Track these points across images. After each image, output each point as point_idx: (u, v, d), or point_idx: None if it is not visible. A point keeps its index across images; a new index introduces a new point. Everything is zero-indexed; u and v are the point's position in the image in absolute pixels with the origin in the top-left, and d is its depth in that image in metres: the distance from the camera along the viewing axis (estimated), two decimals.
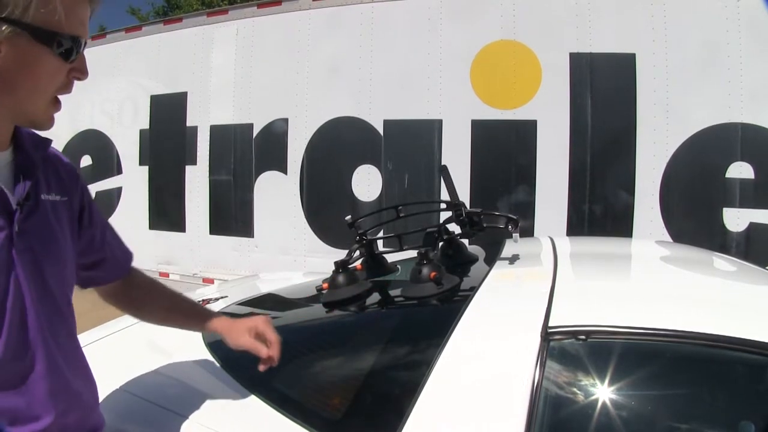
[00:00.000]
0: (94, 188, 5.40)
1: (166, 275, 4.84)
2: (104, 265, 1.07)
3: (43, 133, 0.89)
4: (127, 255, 1.13)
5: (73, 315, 0.94)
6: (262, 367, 1.14)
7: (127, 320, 1.85)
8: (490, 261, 1.68)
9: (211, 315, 1.23)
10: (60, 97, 0.85)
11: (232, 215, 4.54)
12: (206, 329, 1.22)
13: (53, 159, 0.94)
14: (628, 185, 3.49)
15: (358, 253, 1.72)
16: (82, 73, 0.85)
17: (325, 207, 4.21)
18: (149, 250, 4.71)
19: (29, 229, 0.83)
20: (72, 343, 0.93)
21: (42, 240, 0.85)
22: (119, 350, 1.61)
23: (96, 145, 5.34)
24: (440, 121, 3.86)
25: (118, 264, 1.10)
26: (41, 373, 0.83)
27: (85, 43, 0.83)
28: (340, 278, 1.55)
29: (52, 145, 0.94)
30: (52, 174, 0.91)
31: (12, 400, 0.80)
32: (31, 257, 0.83)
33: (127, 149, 5.15)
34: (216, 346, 1.53)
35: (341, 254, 1.69)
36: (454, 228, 1.75)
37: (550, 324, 1.10)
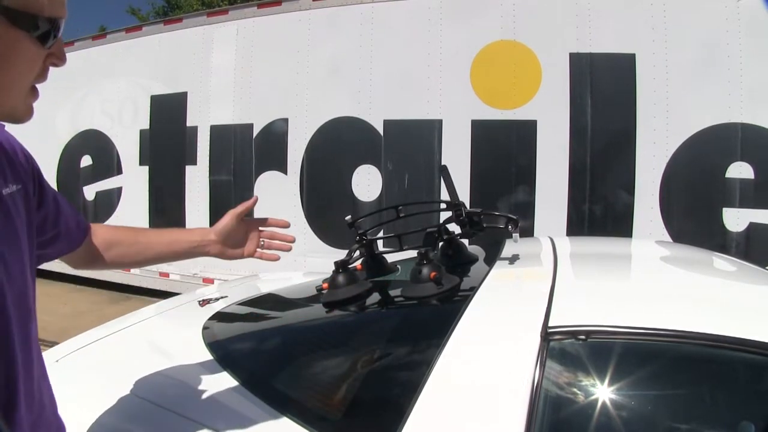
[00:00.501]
0: (94, 188, 5.41)
1: (167, 275, 4.85)
2: (58, 241, 0.99)
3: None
4: (81, 226, 1.05)
5: (35, 305, 0.87)
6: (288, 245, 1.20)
7: (128, 320, 1.85)
8: (490, 261, 1.68)
9: (183, 236, 1.18)
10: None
11: None
12: (186, 255, 1.16)
13: (4, 143, 0.83)
14: (628, 185, 3.49)
15: (358, 253, 1.72)
16: (59, 59, 0.76)
17: (325, 207, 4.22)
18: None
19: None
20: (38, 348, 0.87)
21: (10, 241, 0.78)
22: (119, 350, 1.61)
23: (96, 145, 5.35)
24: (440, 121, 3.86)
25: (72, 238, 1.02)
26: (20, 385, 0.78)
27: (62, 24, 0.75)
28: (340, 278, 1.55)
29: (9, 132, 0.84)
30: (6, 162, 0.82)
31: None
32: (3, 265, 0.75)
33: (128, 149, 5.16)
34: (216, 346, 1.53)
35: (341, 254, 1.69)
36: (454, 228, 1.75)
37: (550, 324, 1.10)
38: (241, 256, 1.20)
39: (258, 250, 1.22)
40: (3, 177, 0.79)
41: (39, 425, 0.82)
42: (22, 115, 0.75)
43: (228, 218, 1.19)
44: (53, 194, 0.96)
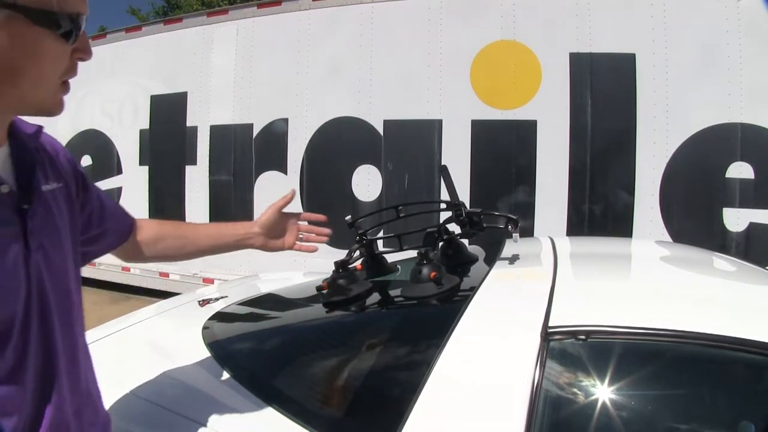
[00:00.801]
0: None
1: (167, 275, 4.84)
2: (104, 238, 1.05)
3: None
4: (126, 221, 1.11)
5: (81, 299, 0.92)
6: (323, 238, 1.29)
7: (127, 320, 1.85)
8: (490, 261, 1.68)
9: (228, 230, 1.25)
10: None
11: (232, 215, 4.54)
12: (230, 248, 1.24)
13: (46, 145, 0.89)
14: (628, 185, 3.49)
15: (358, 253, 1.72)
16: (85, 53, 0.78)
17: (325, 207, 4.21)
18: None
19: (38, 225, 0.80)
20: (84, 341, 0.92)
21: (50, 234, 0.83)
22: (120, 350, 1.61)
23: (96, 144, 5.35)
24: (440, 121, 3.86)
25: (117, 235, 1.08)
26: (62, 372, 0.82)
27: (85, 19, 0.77)
28: (340, 278, 1.55)
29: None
30: (48, 161, 0.87)
31: (31, 402, 0.77)
32: (44, 255, 0.80)
33: (127, 149, 5.16)
34: (216, 346, 1.53)
35: (341, 254, 1.69)
36: (454, 228, 1.75)
37: (550, 324, 1.10)
38: (283, 248, 1.28)
39: (297, 242, 1.29)
40: (44, 175, 0.84)
41: (84, 412, 0.86)
42: (53, 108, 0.77)
43: (271, 211, 1.26)
44: (97, 194, 1.02)
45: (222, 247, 1.24)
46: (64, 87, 0.78)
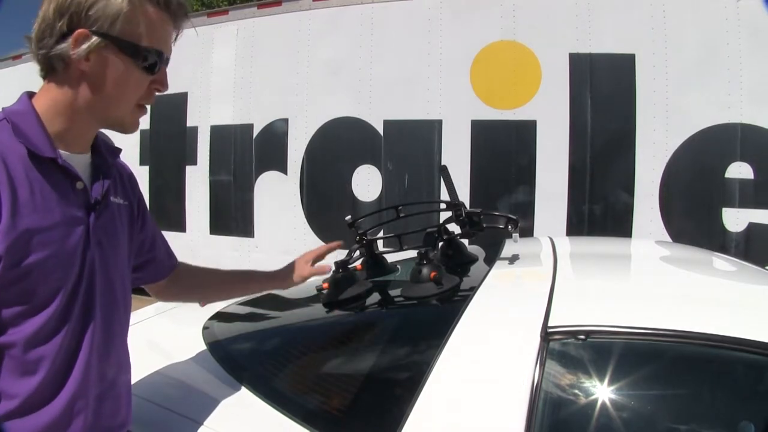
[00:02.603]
0: None
1: None
2: (149, 267, 1.16)
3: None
4: (171, 259, 1.22)
5: (129, 311, 1.03)
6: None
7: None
8: (490, 261, 1.68)
9: (264, 275, 1.38)
10: None
11: (232, 215, 4.54)
12: (269, 288, 1.42)
13: (119, 166, 1.03)
14: (628, 185, 3.49)
15: (358, 253, 1.72)
16: (162, 85, 0.92)
17: (325, 207, 4.21)
18: None
19: (101, 225, 0.91)
20: (125, 344, 1.02)
21: (109, 237, 0.94)
22: None
23: None
24: (440, 121, 3.86)
25: (162, 267, 1.20)
26: (92, 358, 0.89)
27: (167, 60, 0.91)
28: (340, 278, 1.55)
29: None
30: (118, 179, 1.01)
31: (58, 368, 0.86)
32: (100, 251, 0.91)
33: (128, 149, 5.13)
34: (216, 346, 1.53)
35: (341, 254, 1.69)
36: (454, 228, 1.75)
37: (550, 324, 1.10)
38: (301, 281, 1.38)
39: (309, 268, 1.38)
40: (114, 189, 0.97)
41: (105, 401, 0.93)
42: (129, 127, 0.93)
43: (304, 273, 1.37)
44: (153, 225, 1.15)
45: (248, 293, 1.50)
46: (141, 110, 0.92)
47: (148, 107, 0.95)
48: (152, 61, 0.88)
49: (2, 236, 0.78)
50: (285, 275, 1.37)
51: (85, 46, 0.82)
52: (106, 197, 0.94)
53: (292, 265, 1.38)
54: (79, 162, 0.91)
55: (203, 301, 1.38)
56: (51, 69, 0.86)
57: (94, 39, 0.82)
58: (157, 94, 0.94)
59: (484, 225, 1.63)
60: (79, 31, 0.82)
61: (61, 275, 0.85)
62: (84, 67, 0.84)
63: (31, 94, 0.90)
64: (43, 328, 0.84)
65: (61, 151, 0.87)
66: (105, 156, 0.96)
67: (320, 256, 1.40)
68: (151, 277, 1.18)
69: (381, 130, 4.02)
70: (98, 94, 0.86)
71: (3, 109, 0.88)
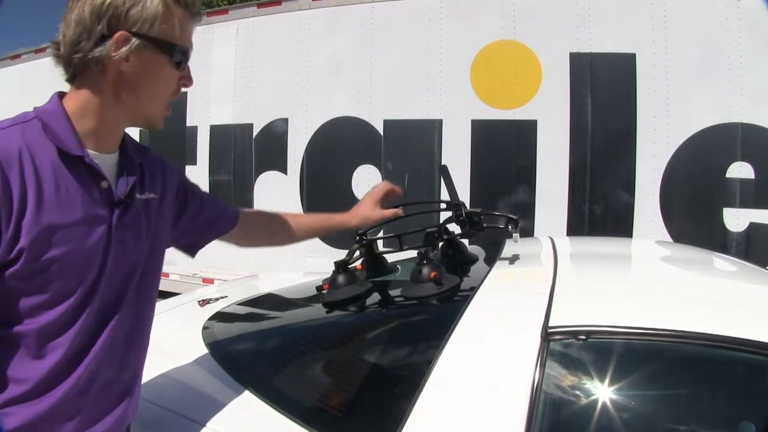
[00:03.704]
0: None
1: (167, 275, 4.84)
2: (211, 228, 1.23)
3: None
4: (229, 214, 1.26)
5: (152, 309, 1.08)
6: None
7: None
8: (490, 261, 1.68)
9: (334, 217, 1.47)
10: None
11: None
12: (340, 228, 1.48)
13: (152, 161, 1.06)
14: (628, 185, 3.49)
15: (358, 253, 1.72)
16: (188, 80, 0.97)
17: (325, 207, 4.19)
18: None
19: (124, 224, 0.94)
20: (144, 330, 1.04)
21: (134, 234, 0.97)
22: None
23: None
24: (440, 121, 3.86)
25: (222, 223, 1.24)
26: (103, 346, 0.92)
27: (190, 54, 0.95)
28: (340, 278, 1.55)
29: None
30: (149, 176, 1.03)
31: (74, 350, 0.89)
32: (122, 250, 0.94)
33: None
34: (216, 346, 1.53)
35: (341, 254, 1.69)
36: (454, 228, 1.75)
37: (550, 324, 1.10)
38: (371, 224, 1.50)
39: (380, 210, 1.49)
40: (141, 186, 1.00)
41: (110, 389, 0.96)
42: (157, 123, 0.98)
43: (375, 216, 1.48)
44: (201, 197, 1.20)
45: (324, 233, 1.54)
46: (168, 107, 0.98)
47: None
48: (181, 58, 0.92)
49: (26, 230, 0.81)
50: (356, 218, 1.46)
51: (125, 48, 0.85)
52: (131, 196, 0.96)
53: (361, 206, 1.48)
54: (106, 161, 0.94)
55: (282, 243, 1.41)
56: (85, 71, 0.88)
57: (134, 40, 0.86)
58: (182, 89, 0.97)
59: (485, 225, 1.63)
60: (120, 33, 0.85)
61: (80, 271, 0.88)
62: (123, 67, 0.87)
63: (61, 95, 0.92)
64: (58, 320, 0.86)
65: (90, 151, 0.90)
66: (131, 155, 0.99)
67: (386, 195, 1.50)
68: (213, 235, 1.24)
69: (381, 130, 4.02)
70: (135, 93, 0.90)
71: (34, 108, 0.91)
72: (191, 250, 1.24)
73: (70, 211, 0.86)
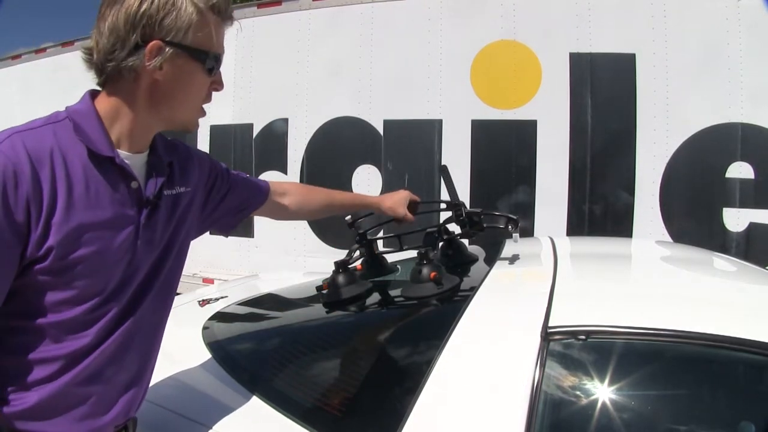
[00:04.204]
0: None
1: None
2: (241, 207, 1.25)
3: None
4: (260, 189, 1.30)
5: (171, 303, 1.09)
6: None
7: None
8: (490, 261, 1.68)
9: (366, 198, 1.60)
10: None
11: None
12: (370, 208, 1.60)
13: (182, 156, 1.07)
14: (628, 185, 3.49)
15: (358, 253, 1.72)
16: (219, 84, 0.97)
17: None
18: None
19: (152, 223, 0.96)
20: (161, 327, 1.08)
21: (161, 233, 0.98)
22: None
23: None
24: (440, 121, 3.86)
25: (255, 199, 1.28)
26: (120, 353, 0.94)
27: (222, 60, 0.96)
28: (340, 278, 1.55)
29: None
30: (179, 171, 1.04)
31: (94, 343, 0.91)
32: (149, 250, 0.96)
33: None
34: (216, 346, 1.53)
35: (341, 254, 1.69)
36: (454, 228, 1.75)
37: (550, 324, 1.10)
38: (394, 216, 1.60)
39: (407, 212, 1.62)
40: (170, 182, 1.01)
41: (115, 381, 0.97)
42: (191, 126, 0.99)
43: (401, 213, 1.60)
44: (229, 180, 1.22)
45: (352, 209, 1.60)
46: (202, 111, 0.98)
47: None
48: (214, 65, 0.93)
49: (55, 229, 0.82)
50: (386, 204, 1.58)
51: (159, 57, 0.86)
52: (160, 195, 0.97)
53: (395, 197, 1.60)
54: (137, 161, 0.94)
55: (313, 216, 1.51)
56: (118, 79, 0.88)
57: (168, 49, 0.86)
58: (214, 93, 0.98)
59: (485, 225, 1.64)
60: (154, 42, 0.85)
61: (107, 270, 0.89)
62: (157, 76, 0.88)
63: (93, 93, 0.93)
64: (82, 317, 0.88)
65: (120, 151, 0.91)
66: (161, 154, 1.00)
67: (413, 202, 1.63)
68: (249, 211, 1.28)
69: (381, 130, 4.02)
70: (168, 99, 0.91)
71: (66, 107, 0.91)
72: (225, 230, 1.27)
73: (100, 211, 0.87)
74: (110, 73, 0.88)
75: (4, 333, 0.86)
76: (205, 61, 0.91)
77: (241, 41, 4.51)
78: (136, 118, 0.91)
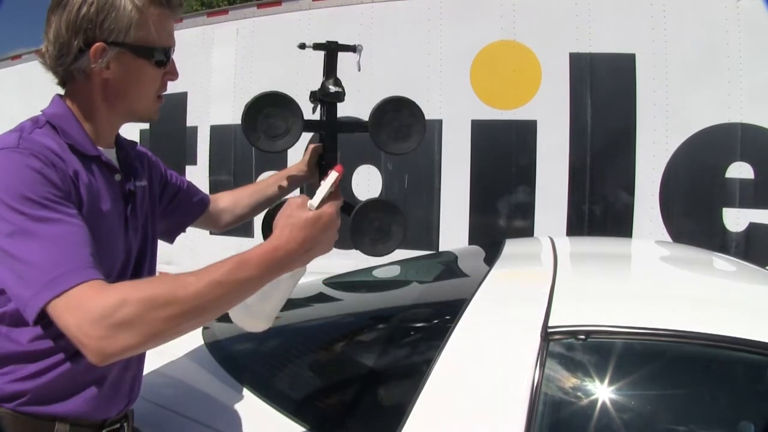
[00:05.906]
0: None
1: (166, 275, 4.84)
2: (186, 209, 1.29)
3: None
4: (203, 200, 1.34)
5: None
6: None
7: None
8: (490, 261, 1.68)
9: (283, 177, 1.47)
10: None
11: None
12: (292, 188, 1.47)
13: (140, 151, 1.15)
14: (628, 185, 3.48)
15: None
16: (173, 74, 1.00)
17: None
18: None
19: (134, 213, 1.01)
20: None
21: (142, 222, 1.04)
22: None
23: None
24: (440, 121, 3.86)
25: (197, 207, 1.32)
26: None
27: (173, 50, 0.98)
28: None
29: None
30: (139, 166, 1.10)
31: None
32: (136, 235, 1.01)
33: None
34: (216, 346, 1.53)
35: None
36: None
37: (550, 324, 1.10)
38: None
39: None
40: (135, 176, 1.05)
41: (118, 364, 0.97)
42: (152, 115, 1.02)
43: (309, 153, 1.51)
44: (176, 180, 1.28)
45: (287, 190, 1.47)
46: (159, 99, 1.01)
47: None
48: (162, 58, 0.95)
49: (84, 217, 0.85)
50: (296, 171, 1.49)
51: (104, 58, 0.89)
52: (134, 186, 1.03)
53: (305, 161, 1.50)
54: (111, 156, 1.00)
55: (250, 215, 1.43)
56: (72, 80, 0.93)
57: (112, 50, 0.89)
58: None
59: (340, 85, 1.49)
60: (97, 45, 0.88)
61: (111, 260, 0.94)
62: (106, 75, 0.91)
63: (62, 96, 0.97)
64: None
65: (98, 147, 0.96)
66: (127, 149, 1.06)
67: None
68: (191, 218, 1.31)
69: None
70: (121, 95, 0.95)
71: (42, 112, 0.95)
72: (171, 235, 1.28)
73: (103, 204, 0.92)
74: (63, 76, 0.93)
75: (17, 316, 0.87)
76: (151, 56, 0.93)
77: (241, 41, 4.51)
78: (100, 116, 0.96)
